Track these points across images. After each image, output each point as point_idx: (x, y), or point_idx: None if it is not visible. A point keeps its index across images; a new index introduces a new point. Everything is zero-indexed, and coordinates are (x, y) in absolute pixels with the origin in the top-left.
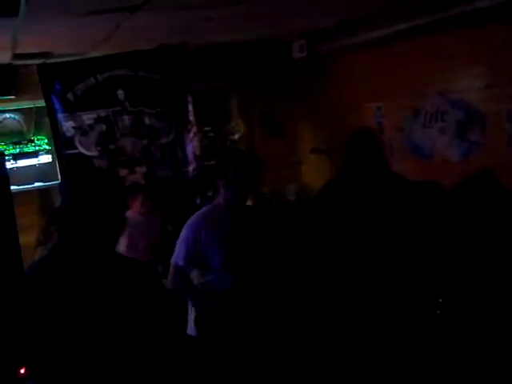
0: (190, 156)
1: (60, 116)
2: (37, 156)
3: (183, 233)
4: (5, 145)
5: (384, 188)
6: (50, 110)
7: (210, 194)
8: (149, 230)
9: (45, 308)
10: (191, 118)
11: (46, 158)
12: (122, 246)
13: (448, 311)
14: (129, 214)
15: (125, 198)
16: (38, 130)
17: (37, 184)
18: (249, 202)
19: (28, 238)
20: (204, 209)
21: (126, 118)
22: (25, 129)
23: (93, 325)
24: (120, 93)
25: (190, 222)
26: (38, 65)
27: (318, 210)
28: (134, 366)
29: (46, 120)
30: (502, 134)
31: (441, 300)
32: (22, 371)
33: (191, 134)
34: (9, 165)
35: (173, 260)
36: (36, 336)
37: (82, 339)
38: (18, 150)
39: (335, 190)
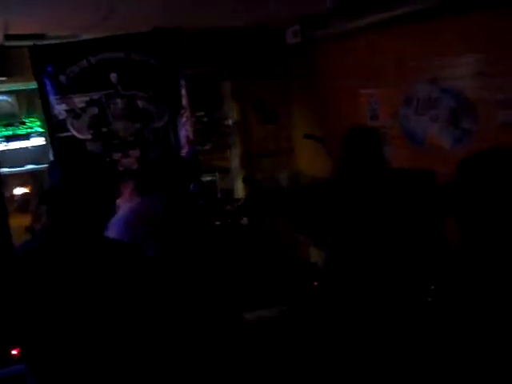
0: (183, 140)
1: (52, 98)
2: (29, 138)
3: None
4: None
5: (379, 183)
6: (42, 93)
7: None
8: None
9: (34, 289)
10: (184, 102)
11: (38, 141)
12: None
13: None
14: (123, 199)
15: (115, 184)
16: (30, 113)
17: (29, 166)
18: (241, 188)
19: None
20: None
21: (118, 101)
22: (17, 111)
23: (81, 306)
24: (113, 76)
25: None
26: (29, 46)
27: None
28: (125, 346)
29: (39, 102)
30: (494, 121)
31: (433, 287)
32: (14, 352)
33: (184, 118)
34: (0, 147)
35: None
36: (26, 317)
37: (72, 320)
38: (10, 132)
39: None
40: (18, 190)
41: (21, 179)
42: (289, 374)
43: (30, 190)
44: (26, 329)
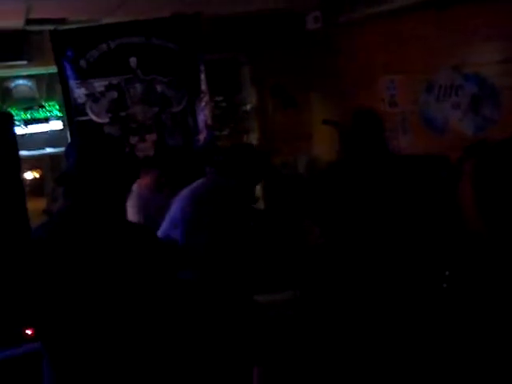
0: (201, 125)
1: (72, 83)
2: (48, 122)
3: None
4: (16, 110)
5: (385, 168)
6: (62, 77)
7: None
8: (159, 206)
9: (50, 270)
10: (203, 87)
11: (56, 125)
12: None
13: (455, 284)
14: (141, 188)
15: (134, 166)
16: (49, 97)
17: (48, 150)
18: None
19: (37, 204)
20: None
21: (137, 85)
22: (37, 95)
23: (98, 287)
24: (132, 60)
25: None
26: (50, 31)
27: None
28: (142, 329)
29: (58, 86)
30: None
31: (447, 273)
32: (29, 332)
33: (203, 103)
34: (20, 130)
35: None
36: (41, 298)
37: (87, 301)
38: (29, 116)
39: (338, 173)
40: (28, 175)
41: (30, 163)
42: (299, 359)
43: (39, 174)
44: (41, 309)
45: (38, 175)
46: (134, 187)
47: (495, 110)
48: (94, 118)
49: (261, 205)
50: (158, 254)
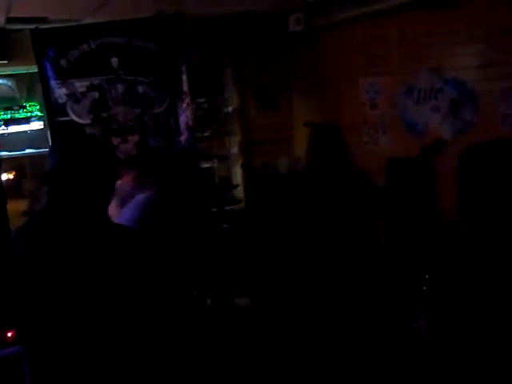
0: (183, 126)
1: (53, 83)
2: (28, 122)
3: None
4: None
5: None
6: (43, 77)
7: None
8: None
9: (31, 271)
10: (185, 88)
11: (37, 125)
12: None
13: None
14: (122, 186)
15: (116, 166)
16: (30, 96)
17: (28, 151)
18: (240, 176)
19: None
20: None
21: (119, 86)
22: (17, 95)
23: (79, 287)
24: (114, 60)
25: None
26: (31, 30)
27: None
28: (123, 329)
29: (39, 86)
30: (495, 113)
31: (427, 276)
32: (10, 335)
33: (184, 104)
34: None
35: None
36: (23, 299)
37: (69, 301)
38: (9, 116)
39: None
40: (4, 176)
41: (9, 164)
42: (279, 359)
43: (14, 175)
44: (22, 311)
45: (12, 176)
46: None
47: (474, 114)
48: (75, 118)
49: (242, 206)
50: (140, 255)
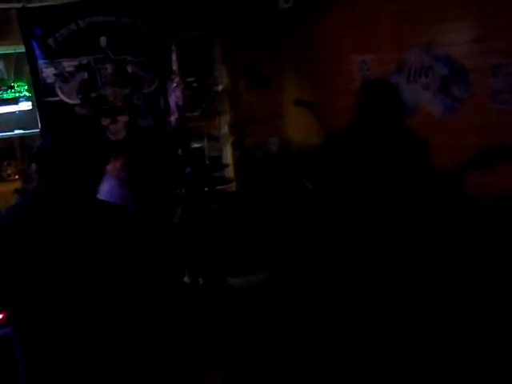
0: (173, 106)
1: (40, 62)
2: (17, 103)
3: None
4: None
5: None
6: (30, 56)
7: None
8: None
9: (21, 253)
10: (174, 67)
11: (25, 105)
12: None
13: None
14: (111, 171)
15: (107, 148)
16: (18, 77)
17: (16, 132)
18: (230, 155)
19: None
20: None
21: (108, 66)
22: (5, 75)
23: (70, 269)
24: (102, 39)
25: None
26: (17, 9)
27: (321, 159)
28: (113, 309)
29: (27, 66)
30: (486, 89)
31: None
32: (0, 316)
33: (174, 84)
34: None
35: None
36: (13, 279)
37: (59, 283)
38: None
39: (340, 141)
40: None
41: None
42: (272, 340)
43: None
44: (13, 290)
45: None
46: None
47: (465, 91)
48: (64, 98)
49: (233, 186)
50: (132, 235)
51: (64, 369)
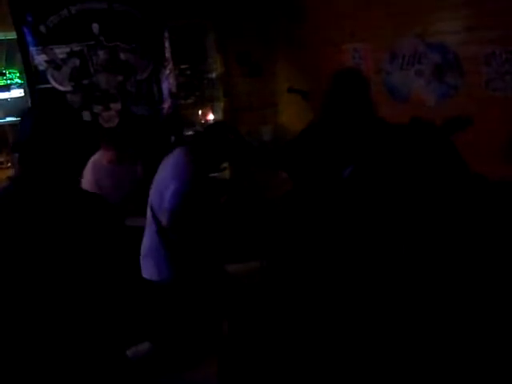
0: (166, 93)
1: (32, 49)
2: (8, 90)
3: None
4: None
5: (365, 131)
6: (22, 43)
7: (187, 132)
8: (119, 179)
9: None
10: (167, 54)
11: (17, 92)
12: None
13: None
14: (101, 161)
15: (91, 137)
16: (9, 64)
17: (8, 119)
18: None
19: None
20: None
21: (100, 52)
22: None
23: (47, 259)
24: (95, 26)
25: None
26: None
27: (295, 152)
28: (89, 302)
29: (19, 53)
30: (478, 77)
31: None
32: None
33: (167, 71)
34: None
35: None
36: None
37: (36, 273)
38: None
39: (315, 133)
40: None
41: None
42: (265, 327)
43: None
44: None
45: None
46: (92, 161)
47: (458, 78)
48: (56, 85)
49: (226, 174)
50: (111, 224)
51: (27, 363)
